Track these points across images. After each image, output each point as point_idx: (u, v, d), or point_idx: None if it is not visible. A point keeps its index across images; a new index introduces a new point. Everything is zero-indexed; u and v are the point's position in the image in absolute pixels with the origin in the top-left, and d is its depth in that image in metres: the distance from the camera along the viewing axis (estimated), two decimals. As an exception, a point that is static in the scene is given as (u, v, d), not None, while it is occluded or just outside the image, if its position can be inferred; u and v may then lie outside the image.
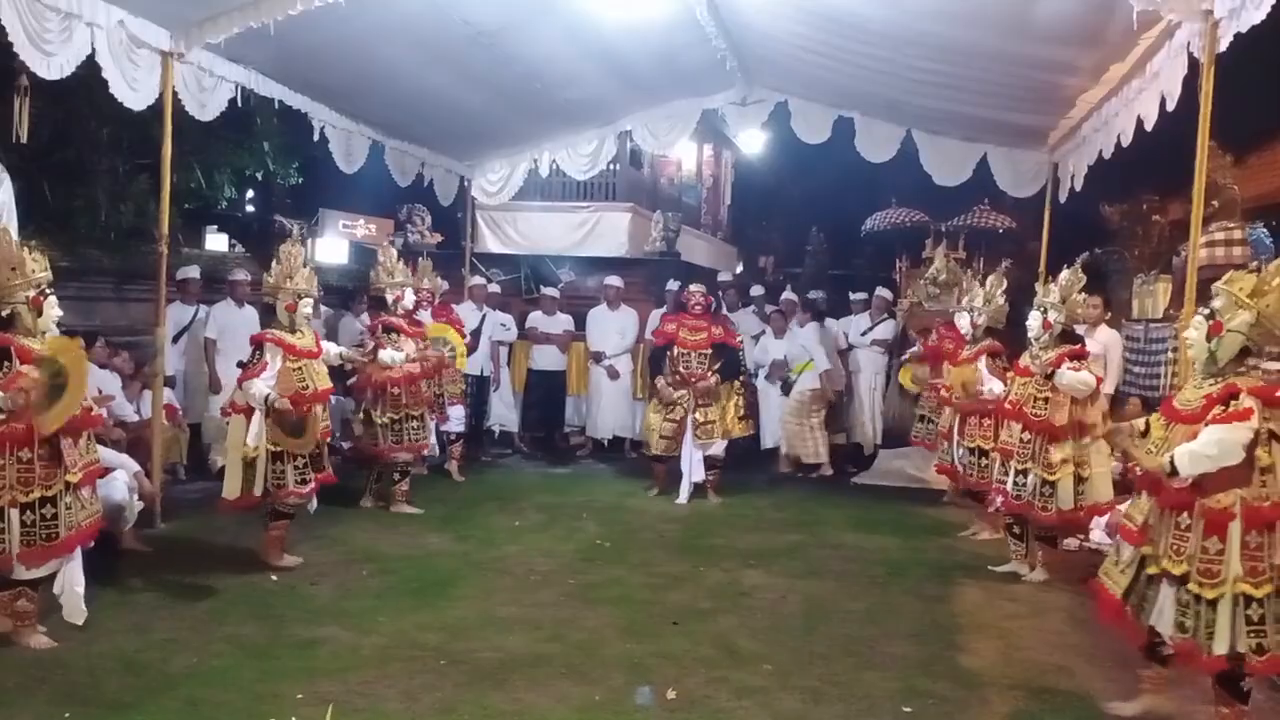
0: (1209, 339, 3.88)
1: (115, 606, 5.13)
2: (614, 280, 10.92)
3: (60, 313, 4.72)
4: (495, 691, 4.24)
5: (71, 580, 4.72)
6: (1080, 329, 8.40)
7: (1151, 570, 3.94)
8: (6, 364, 4.39)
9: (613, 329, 10.55)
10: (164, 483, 7.03)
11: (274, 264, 6.08)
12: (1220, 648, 3.68)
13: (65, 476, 4.50)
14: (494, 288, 11.07)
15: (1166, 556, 3.85)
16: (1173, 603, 3.84)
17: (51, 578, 4.64)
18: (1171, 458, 3.79)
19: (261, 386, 5.75)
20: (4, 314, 4.48)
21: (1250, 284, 3.81)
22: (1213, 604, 3.70)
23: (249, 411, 5.83)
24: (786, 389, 9.95)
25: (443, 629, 4.99)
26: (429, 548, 6.45)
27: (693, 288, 8.87)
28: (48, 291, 4.61)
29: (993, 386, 6.79)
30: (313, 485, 6.00)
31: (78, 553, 4.71)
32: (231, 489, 5.84)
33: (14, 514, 4.35)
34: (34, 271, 4.54)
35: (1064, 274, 6.12)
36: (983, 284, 7.56)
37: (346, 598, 5.46)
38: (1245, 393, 3.70)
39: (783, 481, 9.67)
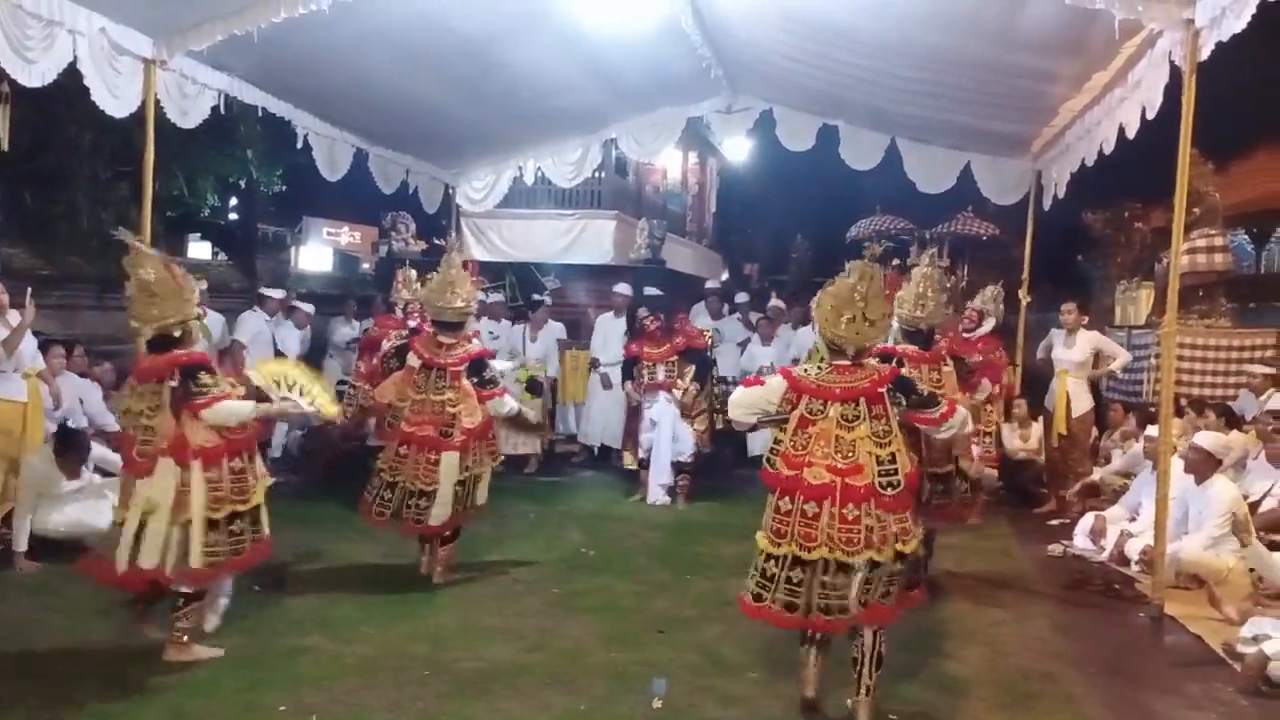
0: None
1: (96, 616, 5.08)
2: (621, 288, 10.82)
3: None
4: (478, 701, 4.21)
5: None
6: (1060, 333, 8.54)
7: None
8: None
9: (613, 337, 10.47)
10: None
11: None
12: None
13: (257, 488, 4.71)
14: (496, 296, 10.97)
15: None
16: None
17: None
18: None
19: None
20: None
21: None
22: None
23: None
24: None
25: (426, 639, 4.96)
26: (411, 556, 6.40)
27: (640, 313, 9.02)
28: None
29: None
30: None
31: None
32: (442, 515, 5.84)
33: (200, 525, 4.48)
34: None
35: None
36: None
37: (330, 607, 5.42)
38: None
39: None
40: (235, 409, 4.57)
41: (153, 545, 4.38)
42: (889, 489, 3.88)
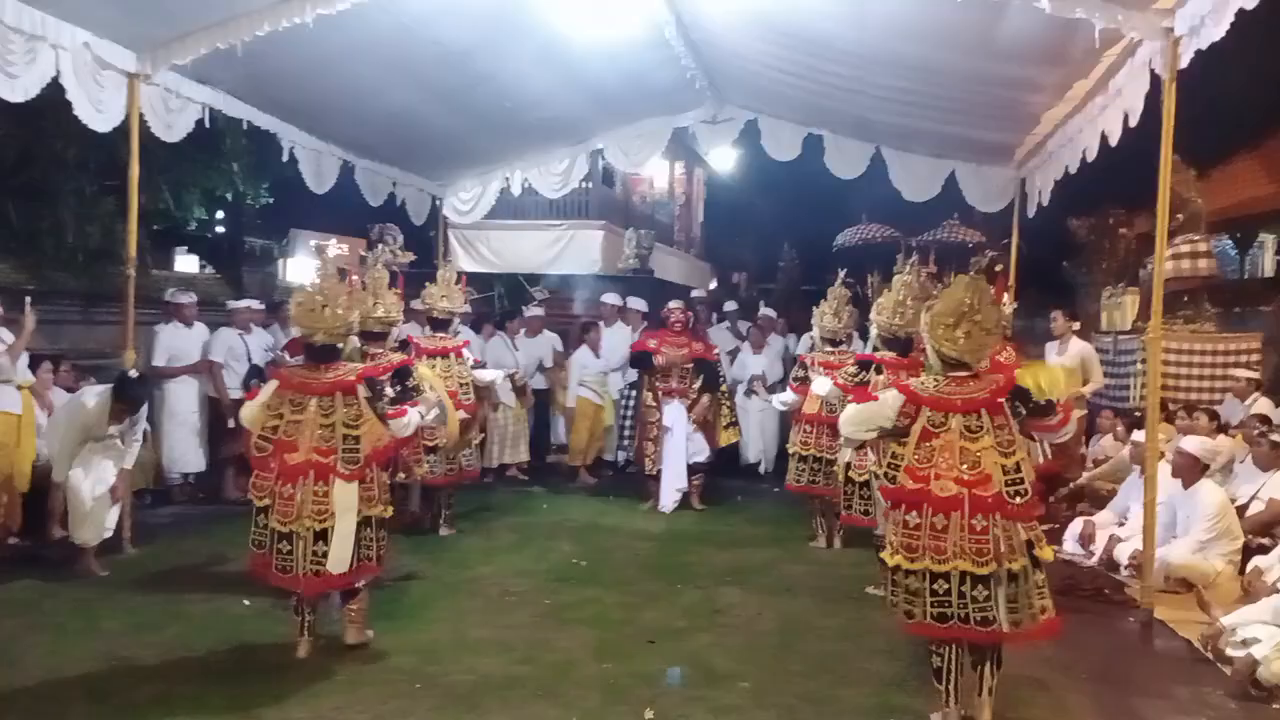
0: None
1: (82, 633, 5.06)
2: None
3: None
4: (468, 715, 4.20)
5: None
6: (1054, 344, 8.56)
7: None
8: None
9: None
10: (132, 507, 6.93)
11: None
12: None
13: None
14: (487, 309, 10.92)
15: None
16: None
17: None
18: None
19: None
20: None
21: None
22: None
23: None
24: None
25: (415, 652, 4.94)
26: (400, 569, 6.38)
27: (672, 304, 9.07)
28: None
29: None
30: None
31: None
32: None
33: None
34: None
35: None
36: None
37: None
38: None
39: (758, 496, 9.65)
40: (414, 415, 5.06)
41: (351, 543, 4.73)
42: (1016, 498, 3.92)
